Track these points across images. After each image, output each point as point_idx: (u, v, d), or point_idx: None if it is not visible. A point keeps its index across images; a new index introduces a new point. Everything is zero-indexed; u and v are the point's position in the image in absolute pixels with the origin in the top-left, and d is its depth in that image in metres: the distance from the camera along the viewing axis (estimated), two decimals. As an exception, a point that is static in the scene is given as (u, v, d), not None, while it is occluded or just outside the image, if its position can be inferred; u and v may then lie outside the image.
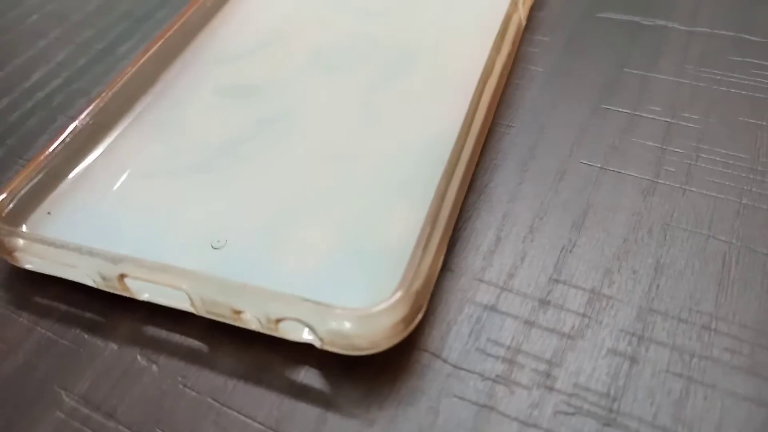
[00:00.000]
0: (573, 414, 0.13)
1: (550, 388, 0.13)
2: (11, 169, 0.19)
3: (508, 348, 0.14)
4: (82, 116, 0.18)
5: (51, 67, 0.22)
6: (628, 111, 0.18)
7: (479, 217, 0.16)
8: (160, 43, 0.20)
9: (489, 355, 0.14)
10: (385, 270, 0.15)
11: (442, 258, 0.15)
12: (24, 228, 0.16)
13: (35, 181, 0.17)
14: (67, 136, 0.18)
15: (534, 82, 0.20)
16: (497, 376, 0.14)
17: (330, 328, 0.13)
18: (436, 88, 0.19)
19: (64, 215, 0.17)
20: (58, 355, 0.15)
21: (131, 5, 0.25)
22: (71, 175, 0.18)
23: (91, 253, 0.15)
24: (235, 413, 0.14)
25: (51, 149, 0.17)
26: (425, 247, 0.14)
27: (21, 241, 0.16)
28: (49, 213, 0.17)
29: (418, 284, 0.13)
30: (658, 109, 0.18)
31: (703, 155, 0.17)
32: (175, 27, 0.21)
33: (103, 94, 0.19)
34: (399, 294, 0.13)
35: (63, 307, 0.16)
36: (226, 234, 0.16)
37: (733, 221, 0.16)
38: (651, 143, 0.18)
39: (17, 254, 0.16)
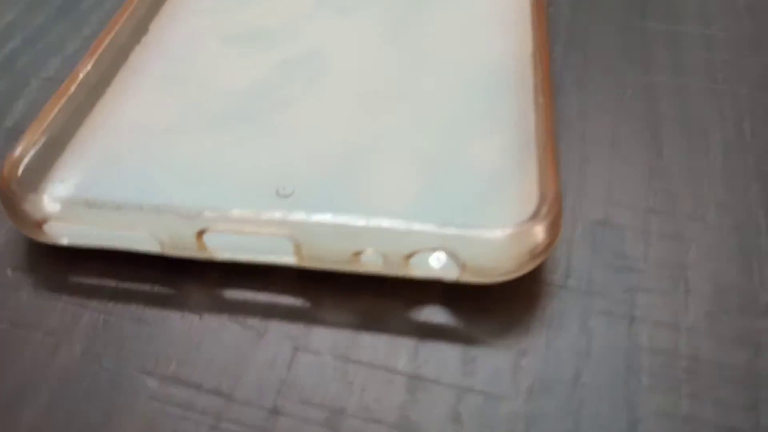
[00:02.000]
0: (726, 312, 0.13)
1: (692, 291, 0.13)
2: (-7, 140, 0.16)
3: (635, 258, 0.13)
4: (73, 74, 0.15)
5: (0, 28, 0.19)
6: (664, 26, 0.18)
7: (560, 139, 0.16)
8: (147, -11, 0.18)
9: (618, 267, 0.13)
10: (481, 198, 0.14)
11: (560, 172, 0.14)
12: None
13: (40, 146, 0.14)
14: (62, 96, 0.15)
15: (561, 8, 0.19)
16: (634, 286, 0.13)
17: (478, 252, 0.12)
18: (469, 18, 0.18)
19: (82, 181, 0.14)
20: (122, 337, 0.13)
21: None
22: (78, 138, 0.15)
23: (158, 210, 0.13)
24: (368, 368, 0.12)
25: (50, 111, 0.15)
26: (549, 162, 0.13)
27: (59, 210, 0.13)
28: (62, 181, 0.14)
29: (557, 196, 0.12)
30: (691, 21, 0.18)
31: (750, 59, 0.17)
32: (159, -29, 0.18)
33: (93, 50, 0.16)
34: (545, 208, 0.12)
35: (111, 283, 0.13)
36: (290, 182, 0.14)
37: (800, 117, 0.16)
38: (697, 52, 0.18)
39: (49, 226, 0.13)
